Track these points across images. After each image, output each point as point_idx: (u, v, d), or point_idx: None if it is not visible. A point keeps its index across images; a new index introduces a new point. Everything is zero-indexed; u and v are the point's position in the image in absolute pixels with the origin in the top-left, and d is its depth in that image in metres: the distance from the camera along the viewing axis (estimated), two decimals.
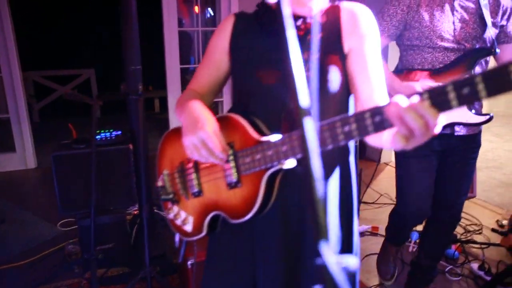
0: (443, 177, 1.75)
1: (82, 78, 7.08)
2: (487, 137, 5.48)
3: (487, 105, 7.96)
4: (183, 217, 1.02)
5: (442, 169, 1.73)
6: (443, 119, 0.63)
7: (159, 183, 1.05)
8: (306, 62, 0.94)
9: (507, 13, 1.60)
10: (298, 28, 0.96)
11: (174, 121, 4.39)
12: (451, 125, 1.60)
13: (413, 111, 0.62)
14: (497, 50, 1.55)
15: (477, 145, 1.74)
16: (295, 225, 0.98)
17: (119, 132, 2.29)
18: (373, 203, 3.23)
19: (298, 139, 0.77)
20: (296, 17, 0.96)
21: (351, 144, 1.04)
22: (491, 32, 1.56)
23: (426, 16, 1.56)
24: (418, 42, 1.58)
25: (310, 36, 0.96)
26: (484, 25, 1.55)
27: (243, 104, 1.01)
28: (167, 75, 4.24)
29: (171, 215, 1.05)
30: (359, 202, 2.96)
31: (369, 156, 4.22)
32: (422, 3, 1.56)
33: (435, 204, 1.82)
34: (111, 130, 2.29)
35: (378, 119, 0.67)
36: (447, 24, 1.55)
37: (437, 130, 0.65)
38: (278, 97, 0.93)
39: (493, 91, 0.56)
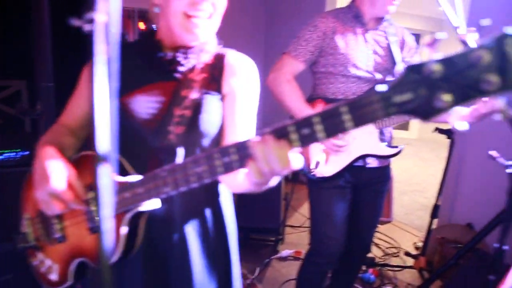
0: (354, 211, 1.75)
1: (11, 90, 6.63)
2: (414, 162, 5.82)
3: (418, 129, 8.36)
4: (48, 265, 0.95)
5: (354, 203, 1.73)
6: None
7: (23, 229, 0.97)
8: (184, 99, 0.92)
9: (412, 51, 1.72)
10: (176, 62, 0.94)
11: None
12: (363, 157, 1.61)
13: (262, 147, 0.60)
14: None
15: (387, 178, 1.77)
16: (162, 267, 0.94)
17: (27, 152, 2.13)
18: (299, 226, 3.26)
19: (154, 181, 0.75)
20: (178, 48, 0.95)
21: (221, 185, 1.03)
22: (400, 67, 1.64)
23: (341, 43, 1.58)
24: (333, 69, 1.59)
25: (192, 74, 0.96)
26: (393, 59, 1.63)
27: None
28: None
29: (35, 263, 0.97)
30: (284, 225, 2.97)
31: (301, 179, 4.29)
32: (338, 31, 1.59)
33: (347, 237, 1.83)
34: (18, 150, 2.13)
35: (227, 159, 0.65)
36: (361, 54, 1.59)
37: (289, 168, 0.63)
38: (146, 134, 0.91)
39: (330, 132, 0.57)
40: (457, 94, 0.48)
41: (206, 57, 0.99)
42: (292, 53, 1.62)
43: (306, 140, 0.58)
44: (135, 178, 0.80)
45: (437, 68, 0.48)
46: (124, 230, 0.82)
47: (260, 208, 2.83)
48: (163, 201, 0.89)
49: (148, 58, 0.96)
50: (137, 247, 0.86)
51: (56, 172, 0.78)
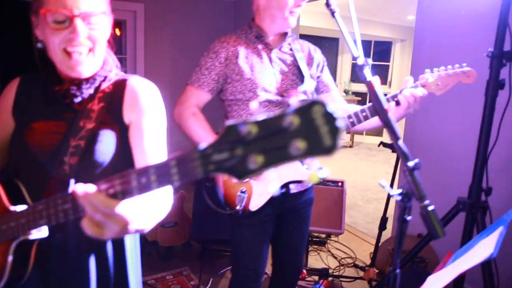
0: (281, 238, 1.72)
1: None
2: (384, 168, 5.90)
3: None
4: None
5: (280, 230, 1.69)
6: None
7: None
8: (81, 130, 0.94)
9: (321, 66, 1.67)
10: (71, 94, 0.96)
11: None
12: (286, 185, 1.53)
13: (88, 200, 0.62)
14: None
15: (311, 201, 1.73)
16: None
17: None
18: None
19: (32, 213, 0.77)
20: (74, 80, 0.97)
21: None
22: (309, 84, 1.58)
23: (246, 68, 1.50)
24: (242, 95, 1.51)
25: (91, 104, 0.98)
26: (302, 77, 1.57)
27: (13, 167, 0.99)
28: None
29: None
30: None
31: None
32: (241, 55, 1.51)
33: (277, 263, 1.82)
34: None
35: (70, 205, 0.68)
36: (268, 76, 1.52)
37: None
38: (43, 164, 0.93)
39: (161, 183, 0.58)
40: (268, 156, 0.49)
41: (105, 85, 1.00)
42: (195, 83, 1.52)
43: (143, 189, 0.60)
44: (21, 207, 0.82)
45: (253, 129, 0.49)
46: (9, 258, 0.84)
47: (217, 219, 2.86)
48: (58, 229, 0.91)
49: (48, 91, 0.99)
50: (26, 274, 0.88)
51: None
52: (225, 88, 1.55)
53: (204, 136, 1.48)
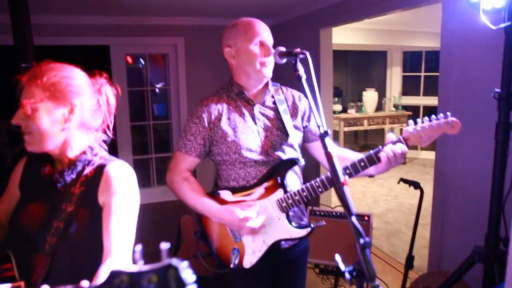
0: None
1: None
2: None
3: None
4: None
5: (277, 282, 1.68)
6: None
7: None
8: (62, 212, 1.06)
9: (307, 115, 1.64)
10: (54, 180, 1.09)
11: None
12: (277, 242, 1.53)
13: None
14: (302, 161, 1.55)
15: (305, 251, 1.71)
16: None
17: None
18: None
19: None
20: (59, 162, 1.11)
21: None
22: (295, 137, 1.57)
23: (229, 130, 1.51)
24: (228, 157, 1.52)
25: (74, 188, 1.09)
26: (286, 130, 1.55)
27: (9, 239, 1.13)
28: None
29: None
30: None
31: None
32: (223, 117, 1.53)
33: None
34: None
35: None
36: (252, 135, 1.52)
37: None
38: (31, 241, 1.06)
39: None
40: None
41: (88, 170, 1.11)
42: (183, 149, 1.55)
43: None
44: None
45: (125, 279, 0.56)
46: None
47: None
48: None
49: (40, 172, 1.13)
50: None
51: None
52: (211, 150, 1.56)
53: (198, 199, 1.49)
